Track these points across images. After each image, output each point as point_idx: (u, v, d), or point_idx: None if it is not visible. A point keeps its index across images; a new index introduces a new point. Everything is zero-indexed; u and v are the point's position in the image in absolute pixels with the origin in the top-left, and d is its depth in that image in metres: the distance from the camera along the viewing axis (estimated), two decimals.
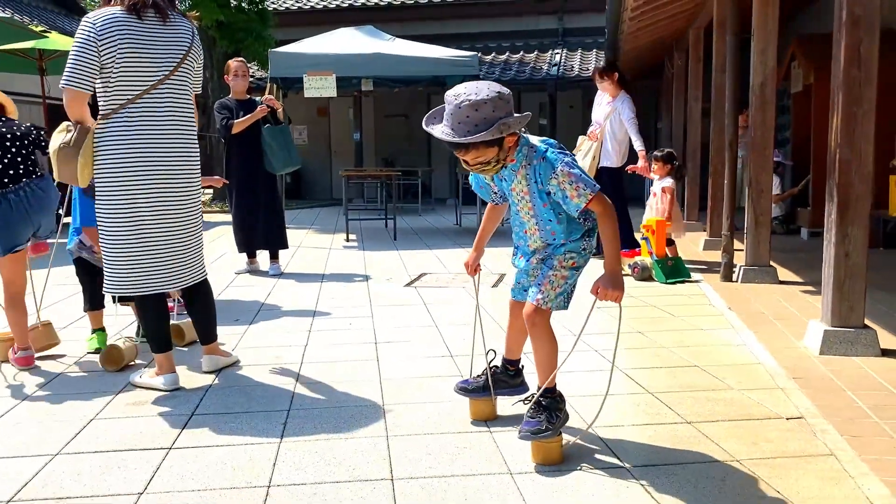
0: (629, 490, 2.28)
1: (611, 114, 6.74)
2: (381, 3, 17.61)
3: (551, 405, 2.55)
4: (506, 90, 2.33)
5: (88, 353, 3.98)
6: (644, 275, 5.88)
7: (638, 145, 6.58)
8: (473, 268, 2.82)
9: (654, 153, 6.37)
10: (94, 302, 4.03)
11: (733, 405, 3.00)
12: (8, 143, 3.59)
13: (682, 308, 4.87)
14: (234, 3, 14.21)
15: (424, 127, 2.40)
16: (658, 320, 4.53)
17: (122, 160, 3.10)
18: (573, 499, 2.23)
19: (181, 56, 3.17)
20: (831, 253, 3.61)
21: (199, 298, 3.52)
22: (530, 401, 2.59)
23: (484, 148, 2.32)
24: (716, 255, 6.09)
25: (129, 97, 3.09)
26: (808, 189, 8.56)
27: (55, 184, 3.57)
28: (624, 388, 3.24)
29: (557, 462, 2.48)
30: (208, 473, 2.44)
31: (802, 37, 8.74)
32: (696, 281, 5.78)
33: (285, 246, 6.62)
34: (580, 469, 2.43)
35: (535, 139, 2.49)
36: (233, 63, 6.44)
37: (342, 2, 17.98)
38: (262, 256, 6.68)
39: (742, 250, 5.67)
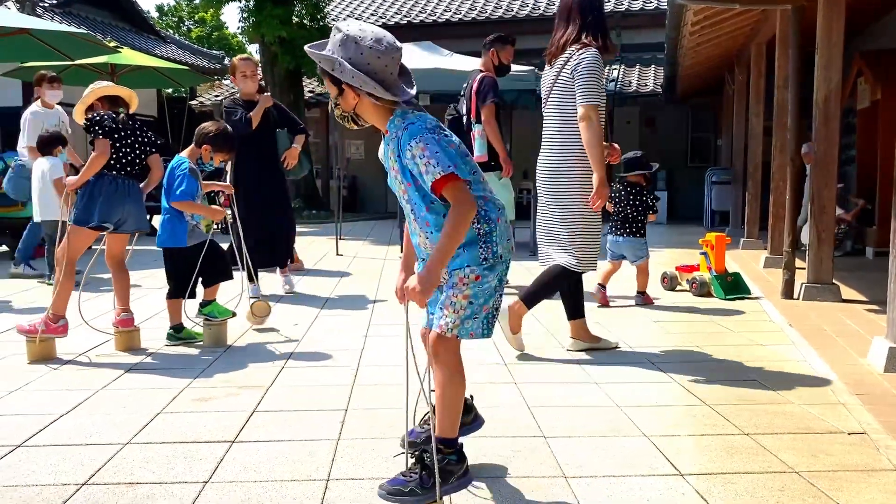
0: (685, 497, 2.27)
1: None
2: (439, 21, 17.84)
3: (436, 464, 2.11)
4: (377, 45, 2.08)
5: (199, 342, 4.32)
6: (703, 290, 5.81)
7: None
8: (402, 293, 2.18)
9: None
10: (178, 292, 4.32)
11: (793, 419, 2.96)
12: (140, 142, 4.13)
13: (741, 324, 4.80)
14: (296, 20, 14.57)
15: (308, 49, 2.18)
16: (716, 335, 4.48)
17: None
18: None
19: (550, 86, 3.93)
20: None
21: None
22: (416, 448, 2.24)
23: (329, 81, 2.15)
24: (776, 273, 5.98)
25: None
26: (875, 208, 8.35)
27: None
28: (681, 400, 3.22)
29: None
30: (270, 466, 2.52)
31: (868, 53, 8.56)
32: (756, 298, 5.69)
33: (291, 258, 6.18)
34: (635, 476, 2.43)
35: (416, 115, 2.17)
36: (238, 62, 5.75)
37: (400, 19, 18.27)
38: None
39: (804, 268, 5.56)
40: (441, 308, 2.22)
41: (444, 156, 2.06)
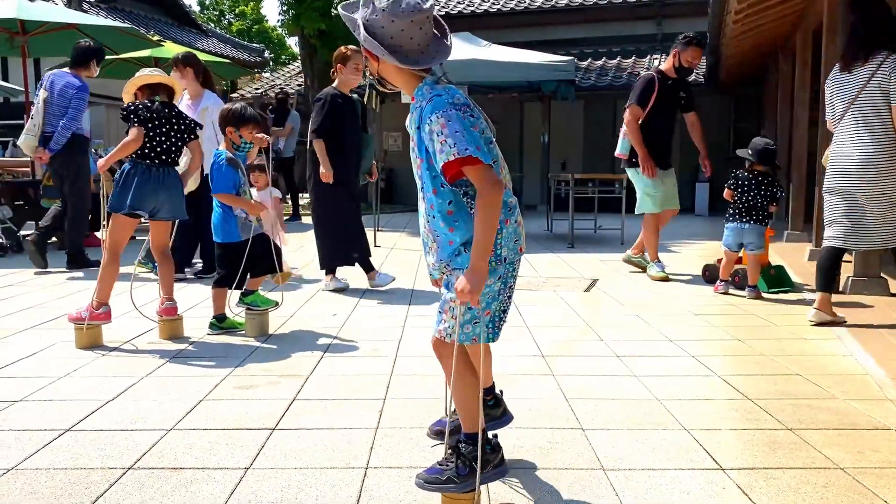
0: (726, 492, 2.25)
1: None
2: (478, 11, 17.77)
3: (470, 454, 2.10)
4: (393, 6, 1.94)
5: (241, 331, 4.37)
6: (745, 283, 5.70)
7: None
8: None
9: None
10: (226, 281, 4.32)
11: (837, 414, 2.90)
12: (177, 129, 4.24)
13: (784, 317, 4.72)
14: (335, 12, 14.66)
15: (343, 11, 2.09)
16: (759, 329, 4.41)
17: None
18: (667, 498, 2.22)
19: (859, 89, 4.30)
20: None
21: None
22: (448, 445, 2.19)
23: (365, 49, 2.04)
24: None
25: None
26: None
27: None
28: (722, 394, 3.18)
29: None
30: (310, 453, 2.55)
31: None
32: (800, 291, 5.58)
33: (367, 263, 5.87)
34: (674, 469, 2.41)
35: (444, 87, 2.03)
36: (352, 53, 5.59)
37: (438, 10, 18.25)
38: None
39: (850, 261, 5.43)
40: (440, 312, 2.15)
41: (466, 136, 1.90)
